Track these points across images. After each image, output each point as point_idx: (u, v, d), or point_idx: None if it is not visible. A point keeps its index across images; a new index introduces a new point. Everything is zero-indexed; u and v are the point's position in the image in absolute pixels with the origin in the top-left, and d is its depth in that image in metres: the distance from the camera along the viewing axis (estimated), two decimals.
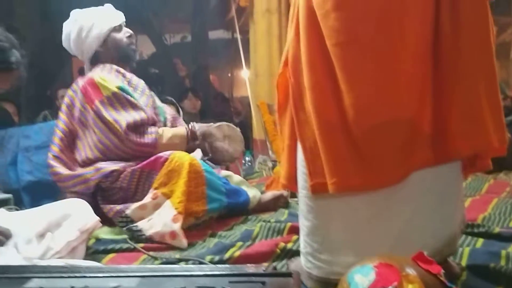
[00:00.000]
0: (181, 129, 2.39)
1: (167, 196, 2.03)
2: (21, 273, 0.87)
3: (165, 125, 2.47)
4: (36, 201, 2.75)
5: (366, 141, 1.22)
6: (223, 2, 5.72)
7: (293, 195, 2.55)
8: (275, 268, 0.98)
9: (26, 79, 1.59)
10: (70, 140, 2.32)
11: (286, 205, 2.44)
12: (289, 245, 1.72)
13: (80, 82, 2.34)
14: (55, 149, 2.30)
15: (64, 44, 2.45)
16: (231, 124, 2.50)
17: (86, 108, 2.26)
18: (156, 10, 5.52)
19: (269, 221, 2.07)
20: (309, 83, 1.29)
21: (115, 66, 2.39)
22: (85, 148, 2.26)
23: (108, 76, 2.31)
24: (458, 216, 1.34)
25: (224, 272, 0.84)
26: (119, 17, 2.44)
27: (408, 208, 1.26)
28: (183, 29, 8.04)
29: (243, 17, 5.67)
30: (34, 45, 5.29)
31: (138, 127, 2.21)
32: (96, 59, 2.41)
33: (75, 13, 2.41)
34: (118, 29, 2.41)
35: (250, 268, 0.84)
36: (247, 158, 3.94)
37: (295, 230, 1.85)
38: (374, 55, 1.21)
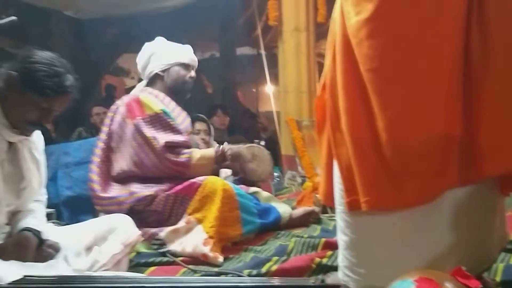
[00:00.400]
0: (209, 150, 2.46)
1: (200, 221, 2.10)
2: (88, 283, 0.94)
3: None
4: (75, 216, 2.87)
5: (398, 162, 1.27)
6: (250, 20, 5.84)
7: (325, 210, 2.60)
8: (322, 280, 1.03)
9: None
10: (109, 152, 2.40)
11: (318, 221, 2.48)
12: (324, 260, 1.76)
13: (125, 98, 2.45)
14: (96, 160, 2.39)
15: (137, 59, 2.60)
16: (260, 146, 2.56)
17: (126, 122, 2.34)
18: (186, 29, 5.66)
19: (302, 237, 2.12)
20: (344, 106, 1.35)
21: (162, 94, 2.48)
22: (120, 161, 2.34)
23: (154, 99, 2.42)
24: (496, 232, 1.37)
25: (276, 284, 0.89)
26: (192, 60, 2.57)
27: (443, 224, 1.29)
28: (212, 47, 8.23)
29: (269, 34, 5.79)
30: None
31: (174, 148, 2.28)
32: (153, 81, 2.52)
33: (159, 38, 2.58)
34: (185, 67, 2.53)
35: (300, 280, 0.89)
36: (275, 174, 3.98)
37: (329, 245, 1.90)
38: (405, 80, 1.27)
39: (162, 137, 2.26)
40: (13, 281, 1.13)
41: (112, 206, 2.27)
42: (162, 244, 2.11)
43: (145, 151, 2.27)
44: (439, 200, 1.26)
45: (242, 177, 2.48)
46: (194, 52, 2.63)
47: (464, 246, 1.29)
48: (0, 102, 1.52)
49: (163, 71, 2.50)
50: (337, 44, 1.39)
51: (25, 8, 5.18)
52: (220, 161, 2.38)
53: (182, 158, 2.27)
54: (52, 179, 3.08)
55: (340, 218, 1.44)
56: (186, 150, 2.31)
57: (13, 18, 2.05)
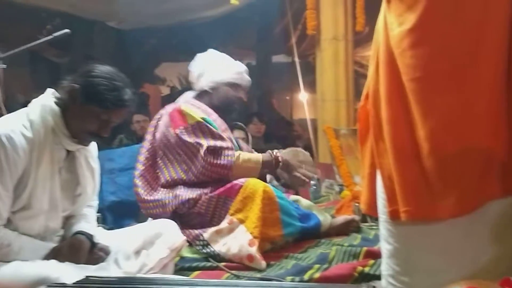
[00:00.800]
0: (256, 154, 2.49)
1: (242, 221, 2.15)
2: (147, 284, 0.99)
3: None
4: (118, 220, 2.97)
5: (439, 172, 1.27)
6: (286, 28, 5.90)
7: (364, 219, 2.60)
8: (374, 287, 1.05)
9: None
10: (154, 160, 2.47)
11: (358, 230, 2.48)
12: (366, 269, 1.77)
13: (168, 108, 2.51)
14: (140, 167, 2.46)
15: (190, 67, 2.62)
16: (303, 151, 2.59)
17: (169, 131, 2.41)
18: (223, 39, 5.77)
19: (342, 245, 2.13)
20: (386, 115, 1.37)
21: (204, 106, 2.52)
22: (169, 169, 2.40)
23: (195, 109, 2.47)
24: None
25: None
26: (245, 80, 2.59)
27: (487, 233, 1.28)
28: (249, 55, 8.32)
29: (304, 42, 5.83)
30: None
31: (216, 151, 2.34)
32: (201, 95, 2.57)
33: (215, 51, 2.61)
34: (236, 87, 2.56)
35: (350, 287, 0.92)
36: (312, 182, 3.98)
37: (370, 254, 1.92)
38: (448, 90, 1.27)
39: (205, 142, 2.32)
40: (77, 281, 1.20)
41: (157, 209, 2.34)
42: (206, 244, 2.16)
43: (190, 158, 2.33)
44: (483, 210, 1.25)
45: (285, 184, 2.52)
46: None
47: (509, 257, 1.29)
48: (62, 113, 1.61)
49: (212, 88, 2.53)
50: (380, 54, 1.41)
51: (70, 18, 5.40)
52: (271, 166, 2.41)
53: (224, 160, 2.32)
54: None
55: (383, 227, 1.45)
56: (229, 152, 2.35)
57: (66, 31, 2.15)
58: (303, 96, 5.86)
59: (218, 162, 2.31)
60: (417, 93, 1.30)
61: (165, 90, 9.44)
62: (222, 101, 2.53)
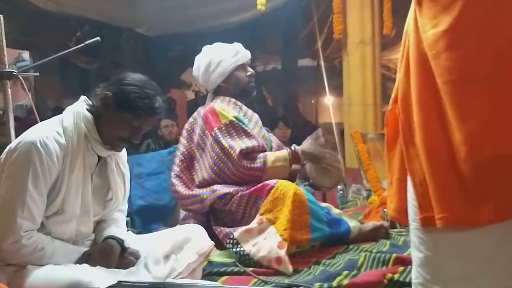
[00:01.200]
0: (283, 151, 2.50)
1: (272, 222, 2.16)
2: None
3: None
4: (146, 224, 3.02)
5: (476, 176, 1.24)
6: (312, 32, 5.89)
7: (393, 225, 2.57)
8: None
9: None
10: (189, 162, 2.53)
11: (387, 236, 2.46)
12: (396, 276, 1.75)
13: (202, 110, 2.58)
14: (176, 169, 2.53)
15: (194, 74, 2.69)
16: (331, 151, 2.56)
17: (205, 134, 2.47)
18: (249, 43, 5.80)
19: (371, 251, 2.11)
20: (419, 120, 1.34)
21: (233, 99, 2.59)
22: (202, 170, 2.46)
23: (227, 107, 2.53)
24: None
25: None
26: (245, 56, 2.62)
27: None
28: (274, 59, 8.35)
29: (330, 46, 5.80)
30: None
31: (249, 154, 2.37)
32: (218, 91, 2.63)
33: (207, 48, 2.64)
34: (242, 67, 2.60)
35: None
36: (339, 187, 3.96)
37: (400, 261, 1.89)
38: (486, 92, 1.24)
39: (237, 145, 2.36)
40: (110, 286, 1.22)
41: (195, 205, 2.40)
42: (236, 243, 2.18)
43: (224, 161, 2.37)
44: None
45: (313, 184, 2.52)
46: (257, 65, 2.69)
47: None
48: (94, 119, 1.65)
49: (224, 80, 2.58)
50: (411, 57, 1.39)
51: (99, 25, 5.52)
52: (298, 159, 2.43)
53: (258, 163, 2.35)
54: None
55: (413, 234, 1.42)
56: (260, 155, 2.38)
57: (97, 39, 2.21)
58: (328, 100, 5.84)
59: (253, 165, 2.35)
60: (453, 96, 1.27)
61: (191, 95, 9.55)
62: (239, 86, 2.59)
